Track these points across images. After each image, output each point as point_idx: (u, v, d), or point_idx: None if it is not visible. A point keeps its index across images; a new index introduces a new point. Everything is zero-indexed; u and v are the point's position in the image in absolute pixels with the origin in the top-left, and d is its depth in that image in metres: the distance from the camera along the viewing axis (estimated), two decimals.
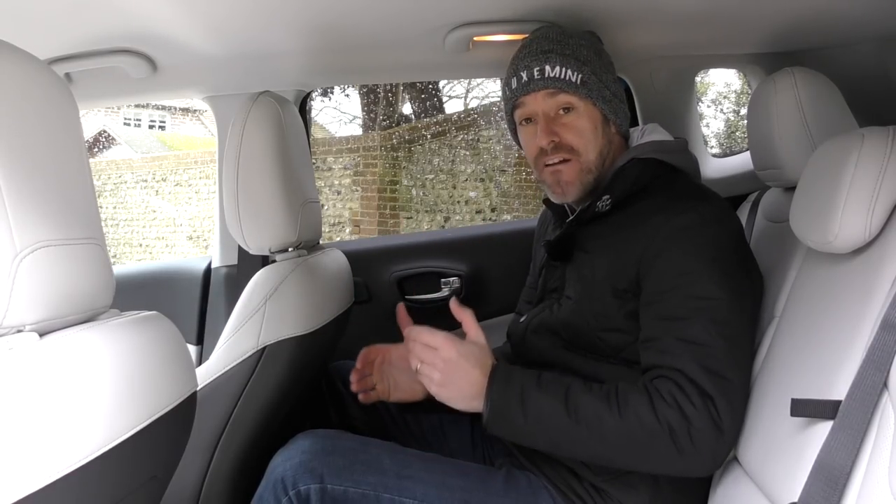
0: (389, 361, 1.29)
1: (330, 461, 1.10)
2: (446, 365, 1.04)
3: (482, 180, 6.25)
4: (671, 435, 0.96)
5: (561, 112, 1.17)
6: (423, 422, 1.40)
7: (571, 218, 1.21)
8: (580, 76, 1.15)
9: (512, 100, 1.21)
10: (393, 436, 1.35)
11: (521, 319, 1.30)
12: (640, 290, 1.09)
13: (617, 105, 1.20)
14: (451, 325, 1.83)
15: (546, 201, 1.32)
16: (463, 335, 1.12)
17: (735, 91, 7.79)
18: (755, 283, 1.15)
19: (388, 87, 7.51)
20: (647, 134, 1.23)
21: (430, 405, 1.29)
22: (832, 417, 0.84)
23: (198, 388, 0.85)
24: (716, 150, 5.89)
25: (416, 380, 1.19)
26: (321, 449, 1.12)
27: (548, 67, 1.15)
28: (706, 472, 1.02)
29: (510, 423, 1.02)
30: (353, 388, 1.28)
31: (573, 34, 1.20)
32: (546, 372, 1.06)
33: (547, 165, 1.18)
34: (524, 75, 1.17)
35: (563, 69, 1.15)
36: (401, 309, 1.21)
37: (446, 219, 6.41)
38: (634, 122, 1.81)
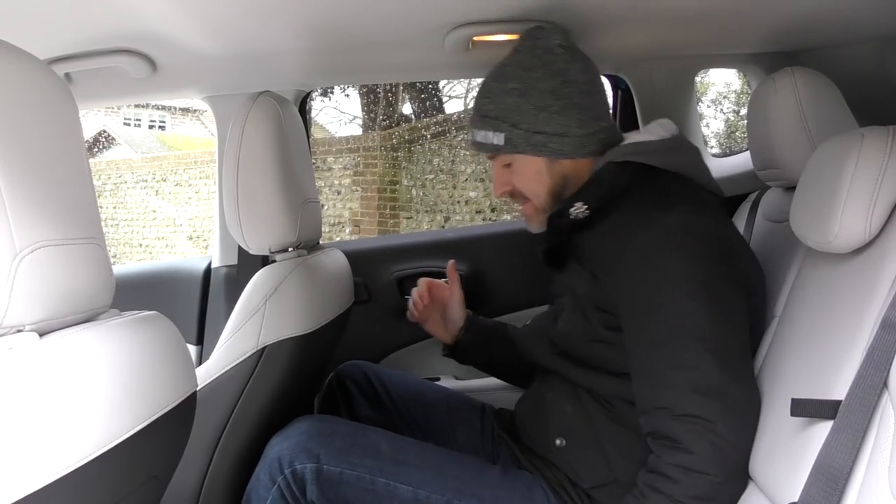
0: (441, 304, 1.46)
1: (327, 443, 1.12)
2: None
3: (482, 180, 6.24)
4: (702, 498, 0.95)
5: (505, 166, 1.21)
6: (432, 421, 1.41)
7: (549, 227, 1.21)
8: (502, 136, 1.17)
9: None
10: (402, 434, 1.36)
11: (528, 323, 1.32)
12: (618, 306, 1.07)
13: (557, 142, 1.16)
14: None
15: None
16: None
17: (735, 91, 7.79)
18: (742, 285, 1.09)
19: (388, 87, 7.51)
20: (636, 135, 1.21)
21: (460, 354, 1.46)
22: (832, 417, 0.84)
23: (198, 388, 0.85)
24: (716, 150, 5.89)
25: (450, 328, 1.43)
26: (319, 431, 1.14)
27: (475, 132, 1.22)
28: (742, 484, 0.99)
29: None
30: (413, 305, 1.46)
31: (508, 71, 1.19)
32: None
33: None
34: (470, 135, 1.25)
35: (485, 133, 1.20)
36: (451, 266, 1.47)
37: (446, 219, 6.40)
38: (635, 125, 1.81)
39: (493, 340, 1.44)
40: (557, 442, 1.16)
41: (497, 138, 1.18)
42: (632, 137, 1.20)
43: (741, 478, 0.98)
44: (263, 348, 1.19)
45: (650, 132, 1.21)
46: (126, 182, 8.87)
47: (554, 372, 1.20)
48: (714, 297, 1.02)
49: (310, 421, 1.17)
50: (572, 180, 1.19)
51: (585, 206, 1.14)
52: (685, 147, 1.21)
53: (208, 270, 1.83)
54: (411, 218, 6.55)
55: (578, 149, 1.17)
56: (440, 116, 7.07)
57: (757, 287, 1.15)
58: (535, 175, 1.19)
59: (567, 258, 1.21)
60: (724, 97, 7.99)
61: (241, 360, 1.19)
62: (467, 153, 6.35)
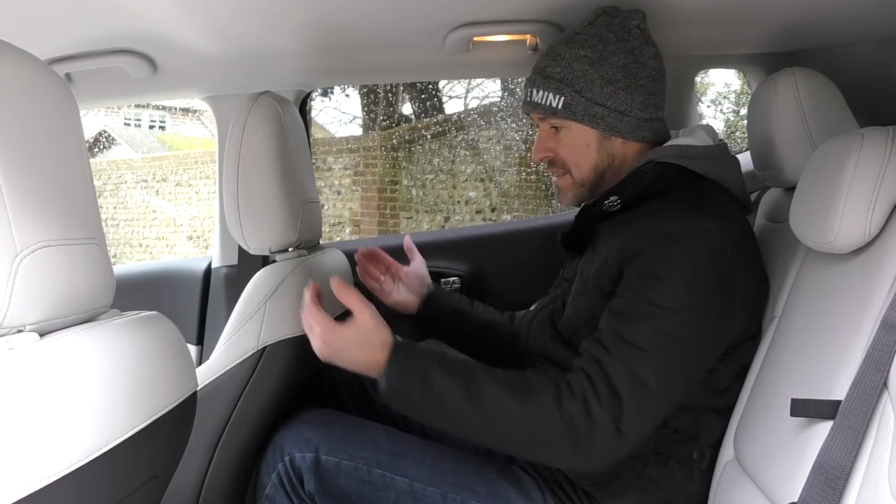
0: (400, 277, 1.43)
1: (326, 434, 1.14)
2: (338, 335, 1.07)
3: (482, 180, 6.24)
4: (570, 430, 0.96)
5: (553, 130, 1.19)
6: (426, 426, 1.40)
7: (578, 213, 1.22)
8: (562, 99, 1.15)
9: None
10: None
11: (532, 308, 1.31)
12: (618, 284, 1.09)
13: (616, 118, 1.15)
14: None
15: None
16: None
17: (735, 91, 7.78)
18: (739, 309, 1.08)
19: (388, 87, 7.50)
20: (681, 136, 1.21)
21: (422, 322, 1.43)
22: (832, 417, 0.84)
23: (198, 388, 0.85)
24: None
25: (414, 295, 1.41)
26: (320, 422, 1.17)
27: (534, 91, 1.19)
28: (594, 469, 1.02)
29: (406, 397, 1.02)
30: (360, 271, 1.41)
31: (581, 39, 1.16)
32: (455, 354, 1.08)
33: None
34: (525, 95, 1.22)
35: (545, 94, 1.17)
36: (408, 240, 1.46)
37: (446, 219, 6.40)
38: None
39: (456, 315, 1.43)
40: None
41: (557, 101, 1.16)
42: (676, 140, 1.20)
43: (602, 458, 0.99)
44: (264, 348, 1.19)
45: (695, 136, 1.20)
46: (126, 182, 8.86)
47: (552, 363, 1.20)
48: (697, 307, 1.02)
49: (314, 412, 1.20)
50: (617, 162, 1.19)
51: (619, 201, 1.14)
52: (728, 157, 1.20)
53: (208, 270, 1.83)
54: (411, 218, 6.54)
55: (633, 131, 1.17)
56: (440, 116, 7.06)
57: (748, 314, 1.13)
58: (584, 147, 1.18)
59: (585, 245, 1.22)
60: (724, 97, 7.97)
61: (241, 360, 1.19)
62: (467, 153, 6.35)
